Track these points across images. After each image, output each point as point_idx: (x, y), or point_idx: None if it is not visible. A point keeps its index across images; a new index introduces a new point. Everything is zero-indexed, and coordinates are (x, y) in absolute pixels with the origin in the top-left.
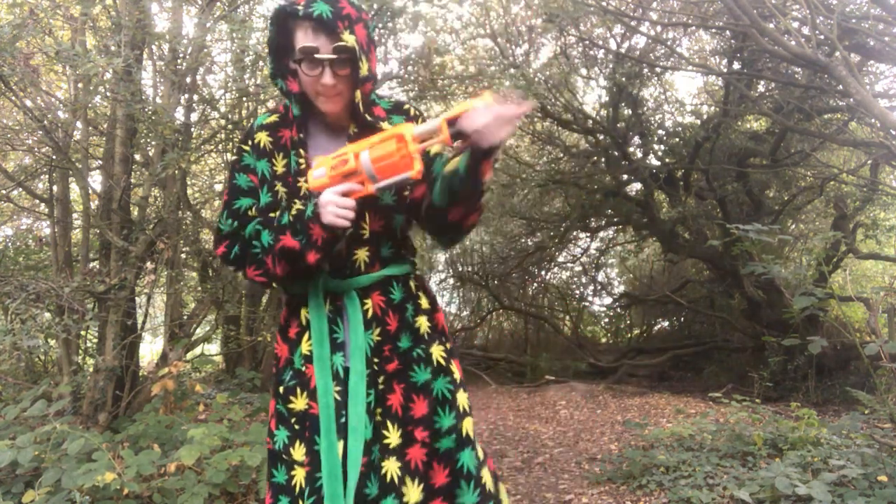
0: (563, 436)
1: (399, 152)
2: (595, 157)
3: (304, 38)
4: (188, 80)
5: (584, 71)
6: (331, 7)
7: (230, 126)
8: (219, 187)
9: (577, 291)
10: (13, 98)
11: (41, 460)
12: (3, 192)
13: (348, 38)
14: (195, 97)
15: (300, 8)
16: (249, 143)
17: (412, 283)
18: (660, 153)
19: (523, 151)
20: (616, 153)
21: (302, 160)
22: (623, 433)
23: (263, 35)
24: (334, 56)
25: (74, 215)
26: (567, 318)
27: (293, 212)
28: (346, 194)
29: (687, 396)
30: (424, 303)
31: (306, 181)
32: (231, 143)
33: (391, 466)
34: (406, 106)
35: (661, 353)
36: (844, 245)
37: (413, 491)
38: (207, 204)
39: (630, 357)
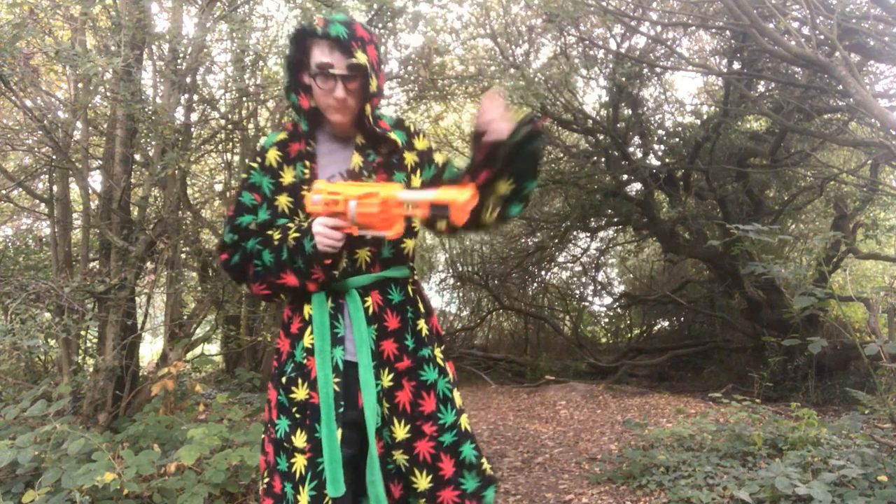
0: (563, 436)
1: (380, 215)
2: (595, 157)
3: (320, 55)
4: (188, 80)
5: (584, 71)
6: (346, 29)
7: (230, 126)
8: (219, 187)
9: (577, 291)
10: (13, 98)
11: (41, 460)
12: (3, 192)
13: (361, 57)
14: (195, 97)
15: (319, 28)
16: (258, 160)
17: (410, 288)
18: (660, 153)
19: None
20: (616, 153)
21: (307, 171)
22: (623, 433)
23: (263, 35)
24: (347, 72)
25: (74, 215)
26: (567, 318)
27: (291, 242)
28: (335, 227)
29: (687, 396)
30: (421, 307)
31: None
32: (231, 143)
33: (399, 458)
34: (407, 123)
35: (661, 353)
36: (844, 245)
37: (422, 480)
38: (207, 204)
39: (630, 357)
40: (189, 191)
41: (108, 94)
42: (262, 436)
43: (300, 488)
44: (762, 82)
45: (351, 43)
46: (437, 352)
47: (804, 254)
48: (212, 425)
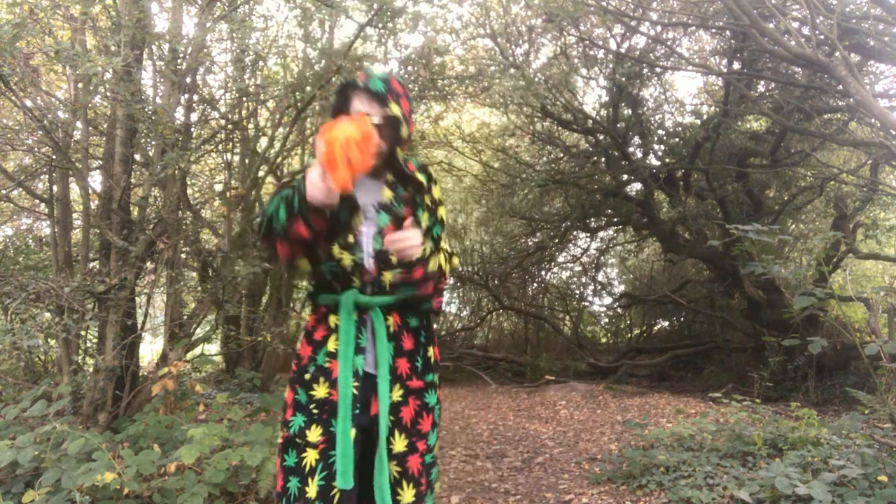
0: (563, 436)
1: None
2: (595, 157)
3: (360, 105)
4: (188, 80)
5: (584, 71)
6: (384, 84)
7: (230, 126)
8: (219, 187)
9: (577, 291)
10: (13, 98)
11: (41, 460)
12: (3, 192)
13: (394, 109)
14: (195, 97)
15: (361, 82)
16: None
17: (423, 316)
18: (660, 153)
19: (523, 151)
20: (616, 153)
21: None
22: (623, 433)
23: (263, 35)
24: (382, 121)
25: (74, 215)
26: (567, 318)
27: (290, 191)
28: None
29: (687, 396)
30: (430, 334)
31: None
32: (231, 143)
33: (392, 469)
34: (429, 169)
35: (661, 353)
36: (844, 245)
37: (408, 493)
38: (207, 204)
39: (630, 357)
40: (189, 191)
41: (108, 94)
42: (279, 443)
43: (309, 480)
44: (762, 82)
45: (387, 96)
46: (436, 378)
47: (804, 254)
48: (212, 425)
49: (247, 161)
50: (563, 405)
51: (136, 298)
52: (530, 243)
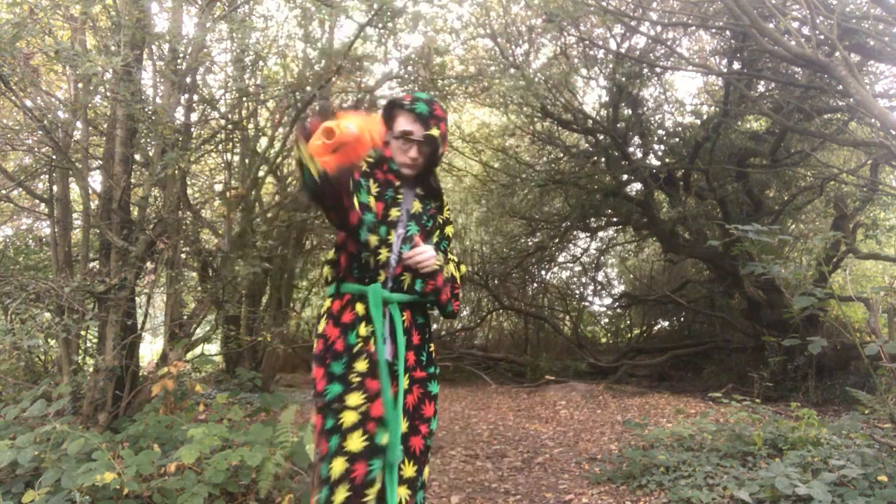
0: (563, 436)
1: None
2: (595, 157)
3: (405, 123)
4: (188, 80)
5: (584, 71)
6: (428, 107)
7: (230, 126)
8: (219, 187)
9: (577, 291)
10: (13, 98)
11: (41, 460)
12: (3, 192)
13: (435, 132)
14: (195, 97)
15: (406, 103)
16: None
17: (427, 315)
18: (660, 153)
19: (523, 151)
20: (616, 153)
21: (398, 196)
22: (623, 433)
23: (263, 35)
24: (423, 140)
25: (74, 215)
26: (567, 318)
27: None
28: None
29: (687, 396)
30: (431, 331)
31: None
32: (231, 143)
33: None
34: (443, 189)
35: (661, 353)
36: (844, 245)
37: (409, 468)
38: (207, 204)
39: (630, 357)
40: (189, 191)
41: (108, 94)
42: (316, 416)
43: (348, 436)
44: (762, 82)
45: (429, 120)
46: (437, 370)
47: (804, 254)
48: (212, 425)
49: (247, 161)
50: (563, 405)
51: (136, 298)
52: (530, 243)
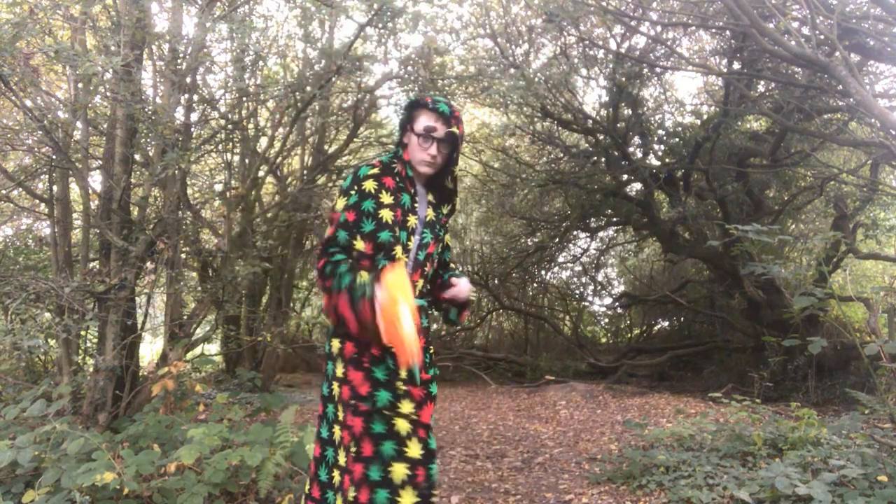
0: (563, 436)
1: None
2: (595, 157)
3: (427, 121)
4: (188, 80)
5: (584, 71)
6: (448, 108)
7: (230, 126)
8: (219, 187)
9: (577, 291)
10: (13, 98)
11: (41, 460)
12: (3, 192)
13: (456, 130)
14: (195, 97)
15: (429, 102)
16: (356, 188)
17: (429, 319)
18: (660, 153)
19: (523, 151)
20: (616, 153)
21: (415, 202)
22: (623, 433)
23: (263, 35)
24: (444, 137)
25: (74, 215)
26: (567, 318)
27: (365, 277)
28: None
29: (687, 396)
30: (430, 335)
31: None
32: (231, 143)
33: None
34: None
35: (661, 353)
36: (844, 245)
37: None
38: (207, 204)
39: (630, 357)
40: (189, 191)
41: (108, 94)
42: (339, 414)
43: (408, 443)
44: (762, 82)
45: (451, 118)
46: (437, 372)
47: (804, 254)
48: (212, 425)
49: (247, 161)
50: (563, 405)
51: (136, 298)
52: (530, 243)
